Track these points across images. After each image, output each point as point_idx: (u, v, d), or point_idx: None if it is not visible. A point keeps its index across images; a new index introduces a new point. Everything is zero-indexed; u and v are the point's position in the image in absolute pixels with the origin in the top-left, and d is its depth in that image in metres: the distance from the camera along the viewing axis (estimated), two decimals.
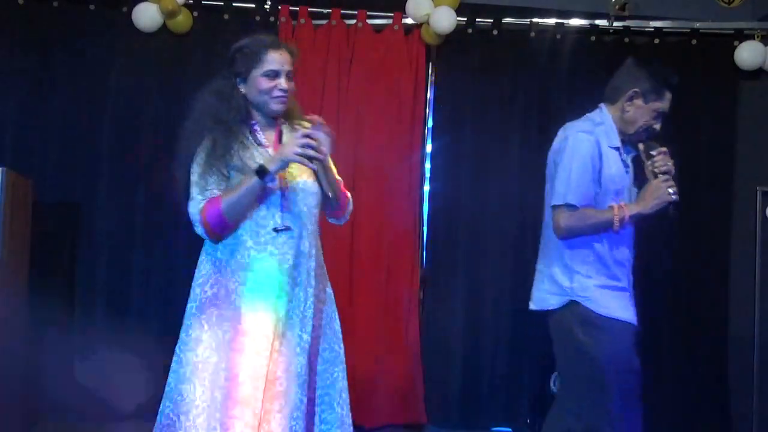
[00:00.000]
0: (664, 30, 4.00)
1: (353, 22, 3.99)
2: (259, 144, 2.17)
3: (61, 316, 3.75)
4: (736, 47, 3.95)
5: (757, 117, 4.07)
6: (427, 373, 3.90)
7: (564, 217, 2.31)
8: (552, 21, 3.99)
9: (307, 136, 2.04)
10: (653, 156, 2.39)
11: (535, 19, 3.98)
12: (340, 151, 4.00)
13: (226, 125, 2.12)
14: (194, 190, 2.10)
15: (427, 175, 4.06)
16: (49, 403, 3.71)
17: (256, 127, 2.19)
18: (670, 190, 2.32)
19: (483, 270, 3.95)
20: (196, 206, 2.07)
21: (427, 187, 4.06)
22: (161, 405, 2.18)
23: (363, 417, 3.82)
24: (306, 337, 2.14)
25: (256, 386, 2.03)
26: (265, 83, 2.13)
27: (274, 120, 2.22)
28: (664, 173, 2.36)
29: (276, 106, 2.16)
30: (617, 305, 2.34)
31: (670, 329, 3.88)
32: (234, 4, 3.94)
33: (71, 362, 3.77)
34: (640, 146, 2.46)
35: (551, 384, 3.70)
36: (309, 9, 3.97)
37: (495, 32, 3.99)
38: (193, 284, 2.15)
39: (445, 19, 3.77)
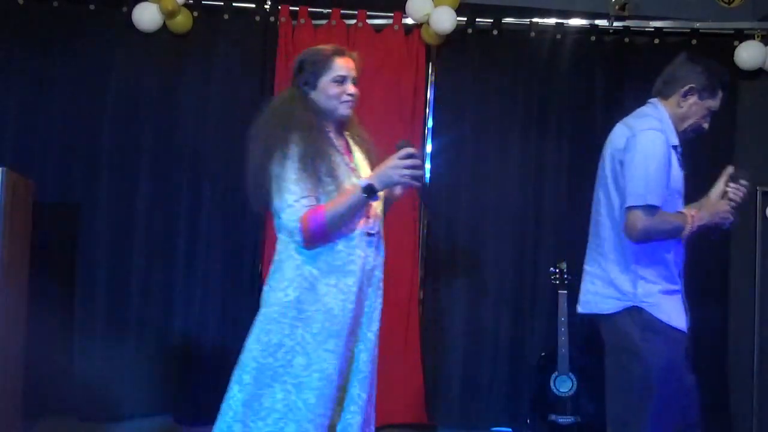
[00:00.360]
0: (664, 30, 4.00)
1: (353, 22, 3.99)
2: (337, 150, 2.21)
3: (61, 316, 3.75)
4: (736, 47, 3.95)
5: (757, 117, 4.07)
6: (427, 373, 3.90)
7: (641, 219, 2.20)
8: (552, 21, 3.99)
9: (410, 156, 2.08)
10: (739, 183, 2.37)
11: (535, 19, 3.98)
12: None
13: (313, 130, 2.15)
14: (289, 197, 2.09)
15: (427, 175, 4.06)
16: (49, 403, 3.71)
17: (330, 135, 2.24)
18: (731, 218, 2.31)
19: (483, 270, 3.95)
20: (295, 213, 2.07)
21: None
22: (224, 414, 2.19)
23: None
24: (371, 335, 2.25)
25: (340, 385, 2.14)
26: (335, 88, 2.20)
27: (340, 126, 2.29)
28: (732, 200, 2.34)
29: (345, 111, 2.24)
30: (677, 314, 2.29)
31: None
32: (234, 4, 3.94)
33: (71, 362, 3.78)
34: (730, 168, 2.44)
35: (551, 384, 3.70)
36: (309, 9, 3.97)
37: (495, 32, 3.99)
38: (269, 289, 2.16)
39: (445, 19, 3.77)
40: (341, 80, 2.21)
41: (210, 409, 3.84)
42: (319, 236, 2.09)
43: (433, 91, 4.08)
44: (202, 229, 3.87)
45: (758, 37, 3.96)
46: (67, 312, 3.79)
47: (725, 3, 4.17)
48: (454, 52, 4.01)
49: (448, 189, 3.98)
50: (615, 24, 3.99)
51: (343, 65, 2.22)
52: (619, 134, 2.37)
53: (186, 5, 3.86)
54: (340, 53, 2.24)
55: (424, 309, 3.98)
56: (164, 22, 3.85)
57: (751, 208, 3.94)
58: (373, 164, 2.27)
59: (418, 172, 2.10)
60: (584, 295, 2.45)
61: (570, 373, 3.68)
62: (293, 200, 2.08)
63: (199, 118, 3.92)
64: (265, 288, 2.20)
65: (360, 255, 2.18)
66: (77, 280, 3.83)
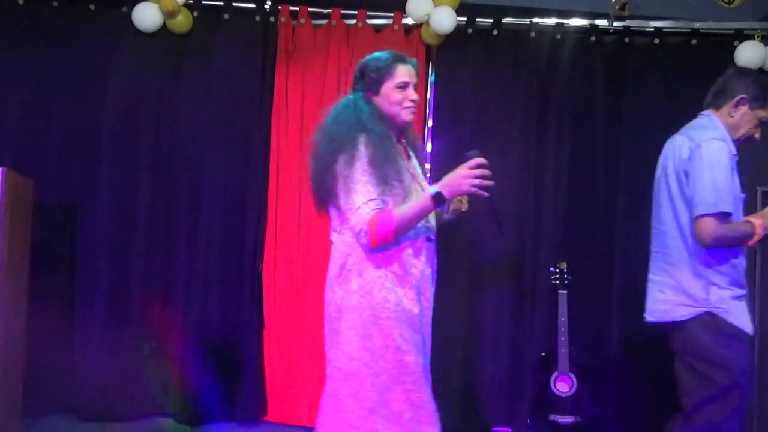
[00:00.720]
0: (664, 30, 4.00)
1: (353, 22, 3.99)
2: (399, 154, 2.25)
3: (61, 316, 3.76)
4: (736, 47, 3.95)
5: None
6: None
7: (713, 226, 2.29)
8: (552, 21, 3.99)
9: (480, 166, 2.11)
10: None
11: (535, 19, 3.98)
12: None
13: (380, 134, 2.18)
14: (358, 199, 2.12)
15: (427, 175, 4.06)
16: (49, 403, 3.72)
17: (393, 140, 2.28)
18: None
19: (483, 270, 3.95)
20: (363, 216, 2.11)
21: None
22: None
23: None
24: (426, 339, 2.28)
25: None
26: (397, 94, 2.26)
27: (399, 132, 2.33)
28: None
29: (408, 117, 2.28)
30: (746, 318, 2.39)
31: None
32: (234, 4, 3.94)
33: (71, 361, 3.78)
34: None
35: (551, 384, 3.70)
36: (309, 9, 3.97)
37: (495, 32, 3.99)
38: (347, 293, 2.17)
39: (445, 19, 3.77)
40: (404, 86, 2.26)
41: (210, 409, 3.88)
42: (386, 240, 2.12)
43: (433, 91, 4.08)
44: (202, 228, 3.87)
45: (758, 37, 3.96)
46: (67, 311, 3.79)
47: (725, 3, 4.17)
48: (454, 52, 4.01)
49: None
50: (615, 24, 3.99)
51: (405, 71, 2.27)
52: (680, 145, 2.46)
53: (186, 5, 3.86)
54: (401, 60, 2.30)
55: None
56: (164, 22, 3.85)
57: (751, 208, 3.94)
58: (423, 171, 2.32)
59: (487, 183, 2.11)
60: (654, 304, 2.51)
61: (570, 373, 3.68)
62: (362, 202, 2.11)
63: (199, 118, 3.92)
64: (339, 293, 2.19)
65: (423, 260, 2.23)
66: (77, 279, 3.83)
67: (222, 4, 3.94)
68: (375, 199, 2.11)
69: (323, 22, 3.99)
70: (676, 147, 2.47)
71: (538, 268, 3.94)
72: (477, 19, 3.97)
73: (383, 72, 2.27)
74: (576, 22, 4.01)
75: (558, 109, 4.00)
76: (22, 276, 3.22)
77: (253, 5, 3.94)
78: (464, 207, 2.46)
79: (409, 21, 3.96)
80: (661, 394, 3.85)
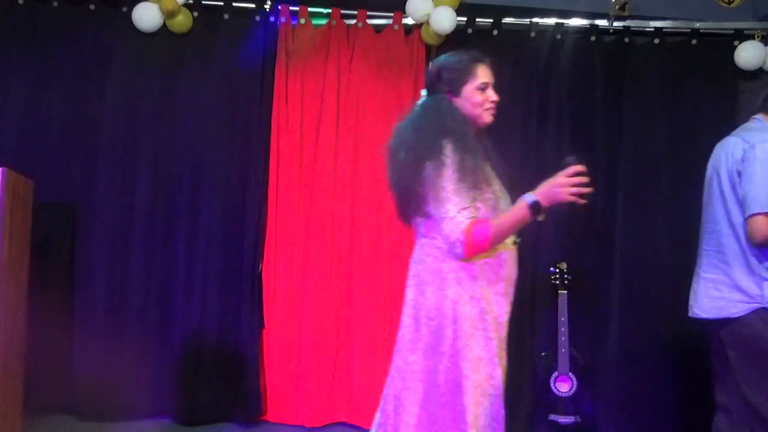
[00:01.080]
0: (664, 30, 4.00)
1: (353, 22, 3.99)
2: (483, 158, 2.21)
3: (61, 316, 3.75)
4: (736, 47, 3.95)
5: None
6: None
7: (765, 225, 2.34)
8: (552, 21, 3.99)
9: (577, 173, 2.06)
10: None
11: (535, 19, 3.98)
12: (340, 151, 4.04)
13: (467, 137, 2.14)
14: (451, 208, 2.06)
15: None
16: (49, 402, 3.72)
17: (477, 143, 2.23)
18: None
19: None
20: (458, 225, 2.05)
21: None
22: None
23: (363, 417, 3.82)
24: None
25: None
26: (479, 96, 2.22)
27: (478, 134, 2.28)
28: None
29: (488, 118, 2.25)
30: None
31: (670, 328, 3.87)
32: (234, 4, 3.94)
33: (71, 361, 3.78)
34: None
35: (551, 384, 3.70)
36: (309, 9, 3.97)
37: (495, 32, 3.99)
38: (449, 302, 2.11)
39: (445, 19, 3.77)
40: (484, 87, 2.23)
41: (209, 410, 3.88)
42: (481, 250, 2.08)
43: None
44: (202, 228, 3.87)
45: (758, 37, 3.96)
46: (66, 311, 3.79)
47: (725, 3, 4.17)
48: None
49: None
50: (615, 24, 4.00)
51: (485, 72, 2.24)
52: (733, 146, 2.51)
53: (186, 5, 3.86)
54: (481, 59, 2.26)
55: None
56: (164, 22, 3.85)
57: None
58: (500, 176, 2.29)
59: (585, 191, 2.06)
60: (708, 302, 2.54)
61: (570, 373, 3.68)
62: (455, 211, 2.06)
63: (199, 118, 3.92)
64: (431, 299, 2.12)
65: (511, 265, 2.21)
66: (77, 279, 3.83)
67: (222, 4, 3.94)
68: (468, 207, 2.06)
69: (323, 22, 3.99)
70: (729, 148, 2.52)
71: (538, 268, 3.93)
72: (477, 19, 3.97)
73: (463, 73, 2.23)
74: (576, 22, 4.01)
75: (558, 109, 4.00)
76: (22, 276, 3.22)
77: (253, 5, 3.94)
78: (542, 216, 2.39)
79: (409, 21, 3.96)
80: (661, 393, 3.86)
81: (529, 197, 2.08)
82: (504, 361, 2.15)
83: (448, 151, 2.07)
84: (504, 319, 2.16)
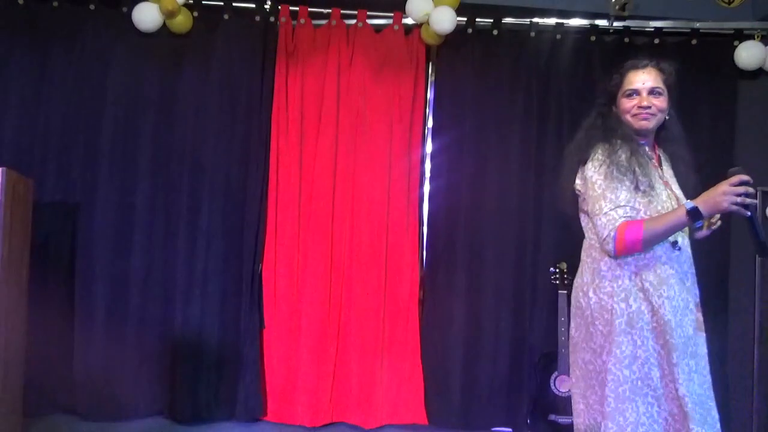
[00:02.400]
0: (664, 30, 4.00)
1: (353, 22, 3.99)
2: (650, 162, 2.23)
3: (61, 316, 3.76)
4: (736, 47, 3.95)
5: (757, 117, 4.07)
6: (427, 373, 3.90)
7: None
8: (552, 21, 3.99)
9: (744, 183, 2.03)
10: None
11: (535, 19, 3.98)
12: (340, 151, 4.04)
13: (631, 141, 2.19)
14: (605, 204, 2.11)
15: (427, 175, 4.06)
16: (49, 402, 3.72)
17: (646, 147, 2.26)
18: None
19: (483, 270, 3.95)
20: (610, 222, 2.09)
21: (427, 187, 4.06)
22: (603, 427, 2.14)
23: (363, 417, 3.82)
24: (693, 363, 2.15)
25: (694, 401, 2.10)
26: (627, 103, 2.26)
27: (654, 140, 2.31)
28: None
29: (639, 123, 2.24)
30: None
31: None
32: (234, 4, 3.94)
33: (71, 361, 3.78)
34: None
35: (551, 384, 3.70)
36: (309, 9, 3.97)
37: (495, 32, 3.99)
38: (606, 299, 2.14)
39: (445, 19, 3.77)
40: (631, 94, 2.25)
41: (210, 409, 3.88)
42: (632, 249, 2.09)
43: (433, 91, 4.08)
44: (202, 228, 3.87)
45: (758, 37, 3.96)
46: (66, 311, 3.78)
47: (725, 3, 4.17)
48: (454, 52, 4.00)
49: (448, 189, 3.98)
50: (615, 24, 4.00)
51: (634, 79, 2.27)
52: None
53: (186, 5, 3.86)
54: (634, 67, 2.32)
55: (424, 309, 3.98)
56: (164, 22, 3.85)
57: (751, 208, 3.93)
58: (682, 181, 2.30)
59: (750, 201, 2.03)
60: None
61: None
62: (609, 208, 2.09)
63: (198, 118, 3.92)
64: (593, 298, 2.17)
65: (677, 270, 2.16)
66: (77, 279, 3.82)
67: (222, 4, 3.94)
68: (623, 206, 2.09)
69: (323, 22, 3.99)
70: None
71: (538, 268, 3.94)
72: (477, 19, 3.97)
73: (616, 81, 2.31)
74: (576, 22, 4.01)
75: (558, 108, 4.00)
76: (22, 276, 3.22)
77: (253, 5, 3.94)
78: (716, 224, 2.35)
79: (409, 21, 3.96)
80: None
81: (689, 204, 2.06)
82: (676, 369, 2.09)
83: (608, 152, 2.15)
84: (675, 324, 2.11)
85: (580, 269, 2.29)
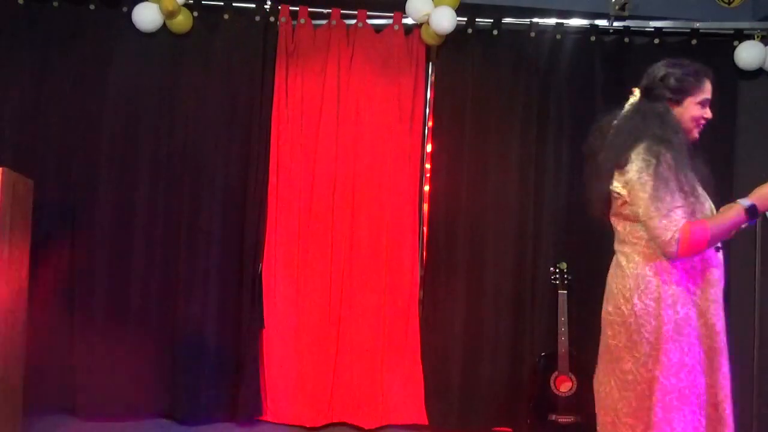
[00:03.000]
0: (664, 30, 4.00)
1: (353, 22, 3.99)
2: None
3: (61, 316, 3.75)
4: (735, 47, 3.95)
5: (757, 117, 4.06)
6: (427, 373, 3.90)
7: None
8: (552, 21, 3.99)
9: None
10: None
11: (535, 19, 3.98)
12: (340, 151, 4.04)
13: (683, 144, 2.13)
14: (661, 206, 2.05)
15: (427, 175, 4.06)
16: (49, 402, 3.71)
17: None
18: None
19: (483, 270, 3.95)
20: (674, 224, 2.03)
21: (427, 187, 4.06)
22: None
23: (363, 417, 3.82)
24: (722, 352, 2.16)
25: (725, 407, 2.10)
26: (698, 111, 2.21)
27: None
28: None
29: (694, 133, 2.24)
30: None
31: None
32: (234, 4, 3.94)
33: (71, 361, 3.78)
34: None
35: (551, 384, 3.70)
36: (309, 9, 3.97)
37: (495, 32, 3.99)
38: (653, 305, 2.09)
39: (445, 19, 3.77)
40: (705, 103, 2.22)
41: (209, 409, 3.88)
42: (697, 250, 2.07)
43: (433, 91, 4.08)
44: (202, 228, 3.87)
45: (758, 37, 3.96)
46: (66, 311, 3.78)
47: (725, 3, 4.17)
48: (454, 52, 4.00)
49: (448, 189, 3.98)
50: (615, 24, 4.00)
51: (709, 87, 2.23)
52: None
53: (186, 5, 3.86)
54: (708, 74, 2.25)
55: (424, 309, 3.98)
56: (164, 22, 3.85)
57: None
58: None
59: None
60: None
61: (570, 373, 3.68)
62: (667, 210, 2.04)
63: (198, 118, 3.92)
64: (638, 305, 2.11)
65: (718, 271, 2.16)
66: (77, 279, 3.83)
67: (222, 4, 3.93)
68: (680, 207, 2.05)
69: (323, 22, 3.99)
70: None
71: (538, 268, 3.93)
72: (477, 19, 3.97)
73: (691, 83, 2.21)
74: (576, 22, 4.01)
75: (558, 109, 4.00)
76: (22, 276, 3.22)
77: (253, 5, 3.94)
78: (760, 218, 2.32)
79: (409, 21, 3.96)
80: None
81: (745, 201, 2.06)
82: (718, 374, 2.09)
83: (668, 155, 2.07)
84: (720, 327, 2.11)
85: (617, 274, 2.22)
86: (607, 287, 2.27)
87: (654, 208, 2.06)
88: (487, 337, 3.93)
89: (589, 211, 2.31)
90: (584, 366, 3.75)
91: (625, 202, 2.15)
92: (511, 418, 3.90)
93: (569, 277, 3.75)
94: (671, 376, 2.06)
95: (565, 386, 3.69)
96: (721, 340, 2.10)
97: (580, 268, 3.84)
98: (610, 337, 2.20)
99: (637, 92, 2.28)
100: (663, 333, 2.07)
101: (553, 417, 3.68)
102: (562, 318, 3.69)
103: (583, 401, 3.69)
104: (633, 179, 2.10)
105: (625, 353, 2.13)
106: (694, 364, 2.07)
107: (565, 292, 3.72)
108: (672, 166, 2.06)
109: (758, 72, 4.00)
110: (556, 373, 3.69)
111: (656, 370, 2.07)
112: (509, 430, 3.91)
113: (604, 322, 2.25)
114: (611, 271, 2.28)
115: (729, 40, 3.99)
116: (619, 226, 2.23)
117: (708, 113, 2.23)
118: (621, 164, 2.12)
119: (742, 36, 3.97)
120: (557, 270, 3.78)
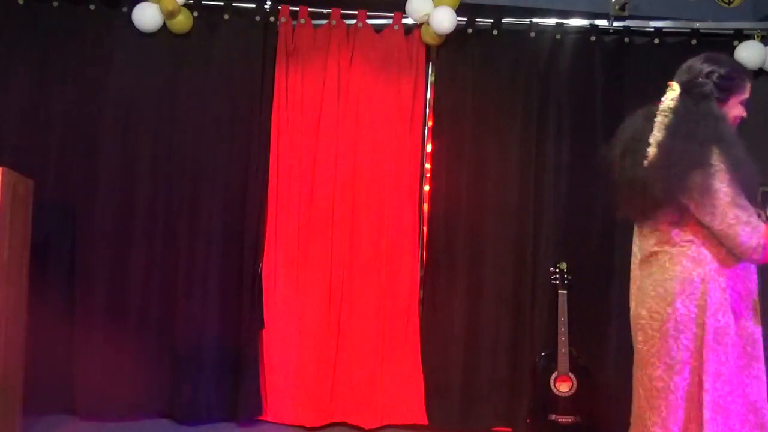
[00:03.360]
0: (664, 30, 4.00)
1: (353, 22, 3.99)
2: None
3: (61, 316, 3.75)
4: (736, 47, 3.95)
5: (757, 117, 4.05)
6: (427, 373, 3.90)
7: None
8: (552, 21, 3.99)
9: None
10: None
11: (535, 19, 3.98)
12: (340, 151, 4.04)
13: (740, 145, 2.08)
14: (741, 213, 2.00)
15: (427, 175, 4.06)
16: (49, 402, 3.71)
17: None
18: None
19: (483, 270, 3.95)
20: (757, 231, 1.99)
21: (427, 187, 4.06)
22: None
23: (363, 417, 3.82)
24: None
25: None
26: (740, 110, 2.19)
27: None
28: None
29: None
30: None
31: None
32: (234, 4, 3.94)
33: (71, 361, 3.77)
34: None
35: (551, 384, 3.70)
36: (309, 9, 3.97)
37: (495, 32, 3.99)
38: (698, 312, 2.05)
39: (445, 19, 3.77)
40: (745, 103, 2.20)
41: (209, 409, 3.88)
42: None
43: (433, 91, 4.08)
44: (202, 228, 3.87)
45: (758, 37, 3.96)
46: (66, 311, 3.78)
47: (725, 3, 4.17)
48: (454, 52, 4.00)
49: (448, 189, 3.98)
50: (615, 24, 4.00)
51: (749, 88, 2.21)
52: None
53: (186, 5, 3.86)
54: (750, 74, 2.24)
55: (424, 309, 3.98)
56: (164, 22, 3.85)
57: None
58: None
59: None
60: None
61: (570, 373, 3.68)
62: (746, 216, 2.00)
63: (199, 118, 3.92)
64: (681, 309, 2.06)
65: (755, 278, 2.13)
66: (77, 279, 3.82)
67: (222, 4, 3.93)
68: (755, 212, 2.02)
69: (323, 22, 3.99)
70: None
71: (538, 268, 3.94)
72: (477, 19, 3.97)
73: (737, 83, 2.17)
74: (576, 22, 4.01)
75: (558, 109, 4.01)
76: (22, 276, 3.22)
77: (253, 5, 3.94)
78: None
79: (409, 21, 3.96)
80: None
81: None
82: (756, 382, 2.07)
83: (728, 158, 2.01)
84: (758, 336, 2.08)
85: (655, 275, 2.13)
86: (639, 289, 2.18)
87: (733, 216, 1.99)
88: (487, 337, 3.93)
89: (627, 210, 2.20)
90: (584, 366, 3.75)
91: (684, 208, 2.05)
92: (511, 418, 3.90)
93: (569, 277, 3.75)
94: (717, 385, 2.02)
95: (565, 386, 3.69)
96: (759, 348, 2.07)
97: (580, 268, 3.84)
98: (640, 342, 2.13)
99: (675, 86, 2.19)
100: (704, 342, 2.03)
101: (553, 417, 3.68)
102: (562, 318, 3.69)
103: (583, 401, 3.69)
104: (703, 184, 2.00)
105: (656, 359, 2.08)
106: (732, 374, 2.04)
107: (565, 292, 3.72)
108: (741, 171, 2.02)
109: (758, 72, 3.99)
110: (556, 373, 3.70)
111: (706, 382, 2.02)
112: (509, 430, 3.91)
113: (634, 326, 2.17)
114: (645, 271, 2.17)
115: (729, 40, 3.99)
116: (663, 227, 2.13)
117: (744, 113, 2.20)
118: (687, 170, 2.01)
119: (742, 36, 3.97)
120: (557, 270, 3.78)
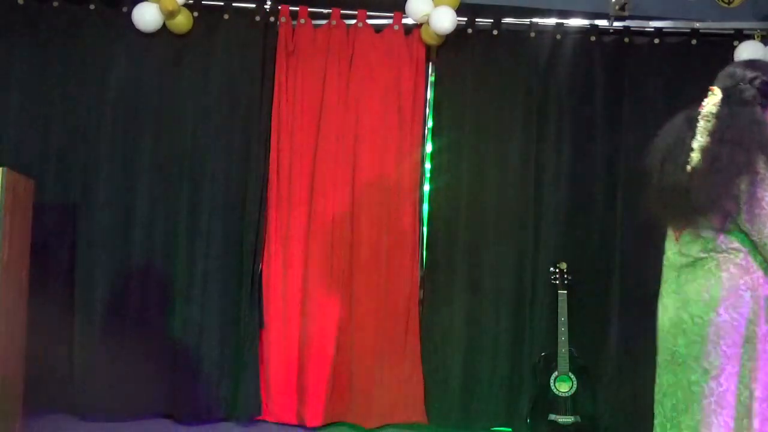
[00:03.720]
0: (664, 30, 3.99)
1: (353, 22, 3.99)
2: None
3: (61, 316, 3.75)
4: (736, 47, 3.95)
5: None
6: (427, 373, 3.90)
7: None
8: (552, 21, 3.99)
9: None
10: None
11: (535, 19, 3.98)
12: (340, 151, 4.04)
13: None
14: None
15: (427, 175, 4.06)
16: (49, 402, 3.71)
17: None
18: None
19: (483, 270, 3.95)
20: None
21: (427, 187, 4.06)
22: None
23: (363, 417, 3.83)
24: None
25: None
26: None
27: None
28: None
29: None
30: None
31: None
32: (234, 4, 3.94)
33: (71, 361, 3.78)
34: None
35: (551, 384, 3.70)
36: (309, 9, 3.97)
37: (495, 32, 3.98)
38: (739, 319, 2.05)
39: (445, 19, 3.77)
40: None
41: (209, 409, 3.88)
42: None
43: (433, 91, 4.08)
44: (202, 228, 3.87)
45: (758, 37, 3.96)
46: (66, 311, 3.79)
47: (725, 3, 4.17)
48: (454, 52, 4.00)
49: (448, 189, 3.98)
50: (615, 24, 3.99)
51: None
52: None
53: (186, 5, 3.86)
54: None
55: (424, 309, 3.98)
56: (164, 22, 3.85)
57: None
58: None
59: None
60: None
61: (570, 373, 3.68)
62: None
63: (198, 118, 3.92)
64: (723, 316, 2.04)
65: None
66: (77, 279, 3.83)
67: (222, 4, 3.93)
68: None
69: (323, 22, 3.99)
70: None
71: (538, 268, 3.93)
72: (477, 19, 3.97)
73: None
74: (576, 22, 4.01)
75: (558, 109, 4.00)
76: (22, 276, 3.22)
77: (253, 5, 3.94)
78: None
79: (409, 21, 3.96)
80: None
81: None
82: None
83: (764, 165, 1.99)
84: None
85: (700, 279, 2.10)
86: (680, 294, 2.15)
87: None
88: (487, 337, 3.93)
89: (668, 215, 2.19)
90: (584, 366, 3.75)
91: (729, 214, 2.05)
92: (511, 418, 3.90)
93: (569, 277, 3.75)
94: (763, 394, 2.03)
95: (565, 386, 3.69)
96: None
97: (580, 268, 3.84)
98: (682, 346, 2.11)
99: (717, 91, 2.17)
100: (755, 349, 2.04)
101: (553, 417, 3.68)
102: (562, 318, 3.69)
103: (583, 401, 3.69)
104: (750, 192, 1.99)
105: (694, 363, 2.07)
106: (759, 380, 2.04)
107: (565, 292, 3.72)
108: None
109: None
110: (556, 373, 3.70)
111: (749, 389, 2.03)
112: (509, 430, 3.91)
113: (675, 330, 2.14)
114: (688, 276, 2.14)
115: (729, 40, 3.98)
116: (707, 233, 2.10)
117: None
118: (733, 177, 2.00)
119: (742, 36, 3.97)
120: (557, 270, 3.78)
